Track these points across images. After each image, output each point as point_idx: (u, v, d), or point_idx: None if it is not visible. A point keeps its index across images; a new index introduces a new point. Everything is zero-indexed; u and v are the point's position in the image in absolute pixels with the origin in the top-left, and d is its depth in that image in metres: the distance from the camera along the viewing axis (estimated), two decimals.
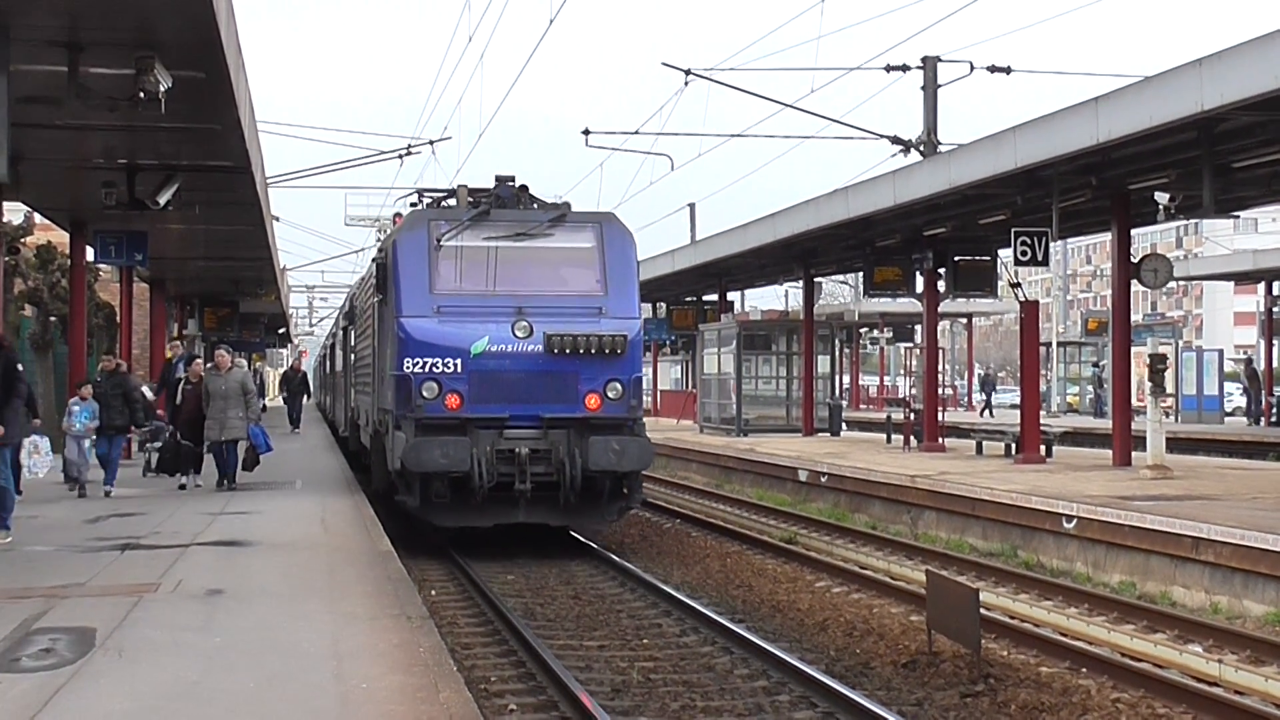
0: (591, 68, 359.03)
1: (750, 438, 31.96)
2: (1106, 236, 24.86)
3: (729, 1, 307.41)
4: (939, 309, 28.83)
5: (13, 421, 13.38)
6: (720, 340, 35.67)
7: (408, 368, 16.18)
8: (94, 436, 18.44)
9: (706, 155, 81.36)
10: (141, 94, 11.90)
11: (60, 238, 26.04)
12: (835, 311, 52.73)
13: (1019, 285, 26.03)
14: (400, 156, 32.56)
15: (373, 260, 21.05)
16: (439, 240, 16.64)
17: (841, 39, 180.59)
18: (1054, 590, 14.17)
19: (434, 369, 16.11)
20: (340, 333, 32.44)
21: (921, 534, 18.89)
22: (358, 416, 24.12)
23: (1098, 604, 13.37)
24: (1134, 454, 21.35)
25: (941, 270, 26.47)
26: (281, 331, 65.52)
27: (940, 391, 28.40)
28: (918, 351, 32.69)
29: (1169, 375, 28.72)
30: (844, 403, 42.85)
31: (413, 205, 18.97)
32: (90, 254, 23.48)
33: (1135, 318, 46.10)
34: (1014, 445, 23.77)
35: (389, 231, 23.10)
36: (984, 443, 25.66)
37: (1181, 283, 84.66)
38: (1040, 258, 22.43)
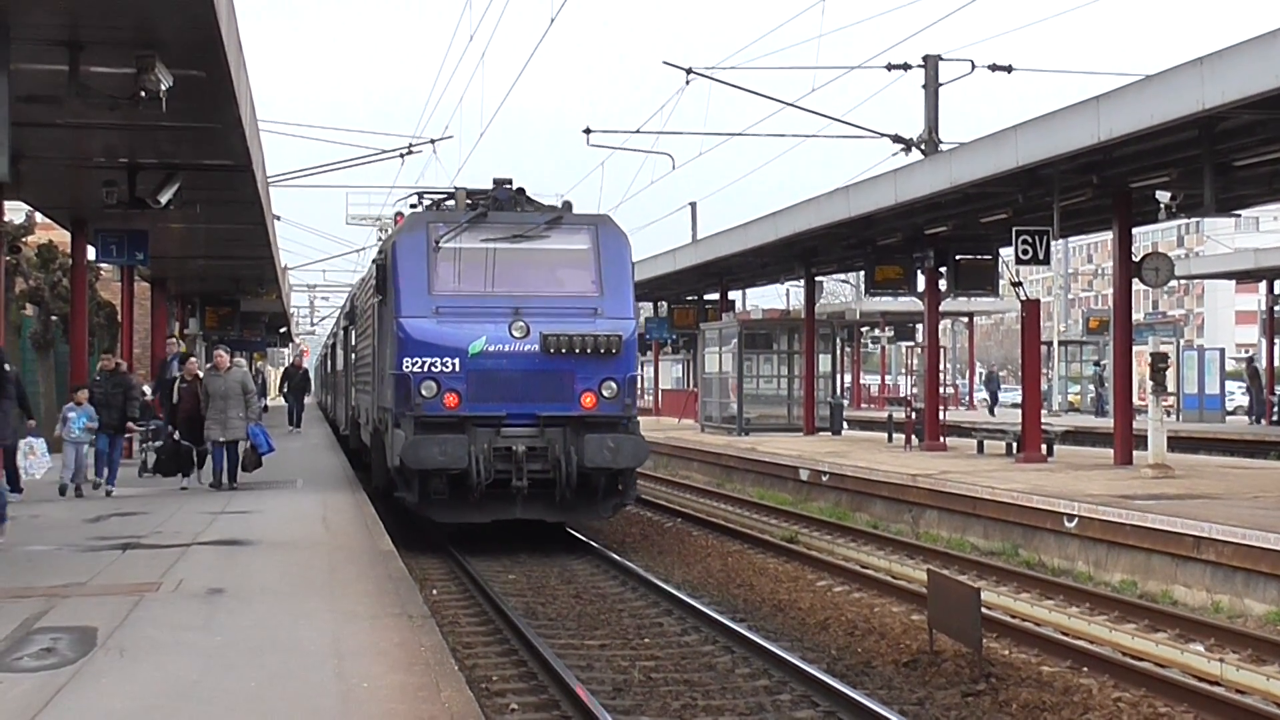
0: (593, 67, 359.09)
1: (751, 437, 31.96)
2: (1108, 235, 24.84)
3: (730, 0, 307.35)
4: (940, 308, 28.81)
5: (3, 423, 13.35)
6: (721, 339, 35.67)
7: (407, 367, 16.45)
8: (92, 438, 18.32)
9: (708, 154, 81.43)
10: (142, 93, 11.90)
11: (61, 237, 26.04)
12: (836, 310, 52.75)
13: (1020, 284, 26.02)
14: (401, 156, 32.58)
15: (373, 261, 21.35)
16: (438, 242, 16.95)
17: (842, 38, 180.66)
18: (1055, 589, 14.16)
19: (433, 368, 16.38)
20: (341, 332, 32.63)
21: (923, 533, 18.88)
22: (358, 415, 24.34)
23: (1099, 603, 13.36)
24: (1135, 453, 21.35)
25: (943, 269, 26.45)
26: (283, 330, 65.53)
27: (941, 390, 28.38)
28: (919, 350, 32.68)
29: (1170, 374, 28.74)
30: (845, 402, 42.84)
31: (412, 207, 19.18)
32: (91, 253, 23.47)
33: (1136, 316, 46.09)
34: (1015, 444, 23.76)
35: (390, 231, 23.24)
36: (985, 442, 25.65)
37: (1183, 281, 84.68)
38: (1041, 256, 22.41)
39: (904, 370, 49.61)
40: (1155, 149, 17.97)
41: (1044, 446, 23.26)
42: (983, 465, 22.07)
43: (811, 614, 13.28)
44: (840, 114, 64.59)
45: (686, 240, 44.36)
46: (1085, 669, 10.79)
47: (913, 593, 13.85)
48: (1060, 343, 53.73)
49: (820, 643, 11.99)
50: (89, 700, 7.13)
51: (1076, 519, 15.57)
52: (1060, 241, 40.72)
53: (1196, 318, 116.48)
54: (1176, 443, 26.25)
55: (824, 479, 23.04)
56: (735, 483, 27.17)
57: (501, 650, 11.56)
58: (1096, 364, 46.05)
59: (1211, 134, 16.88)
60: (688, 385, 54.97)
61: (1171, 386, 34.33)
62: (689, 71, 28.77)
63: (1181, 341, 50.03)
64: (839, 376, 44.20)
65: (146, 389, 21.94)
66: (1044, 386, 42.57)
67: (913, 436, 27.24)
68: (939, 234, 25.81)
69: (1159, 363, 19.85)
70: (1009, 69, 28.90)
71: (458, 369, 16.40)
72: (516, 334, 16.51)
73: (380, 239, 44.84)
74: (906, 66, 28.95)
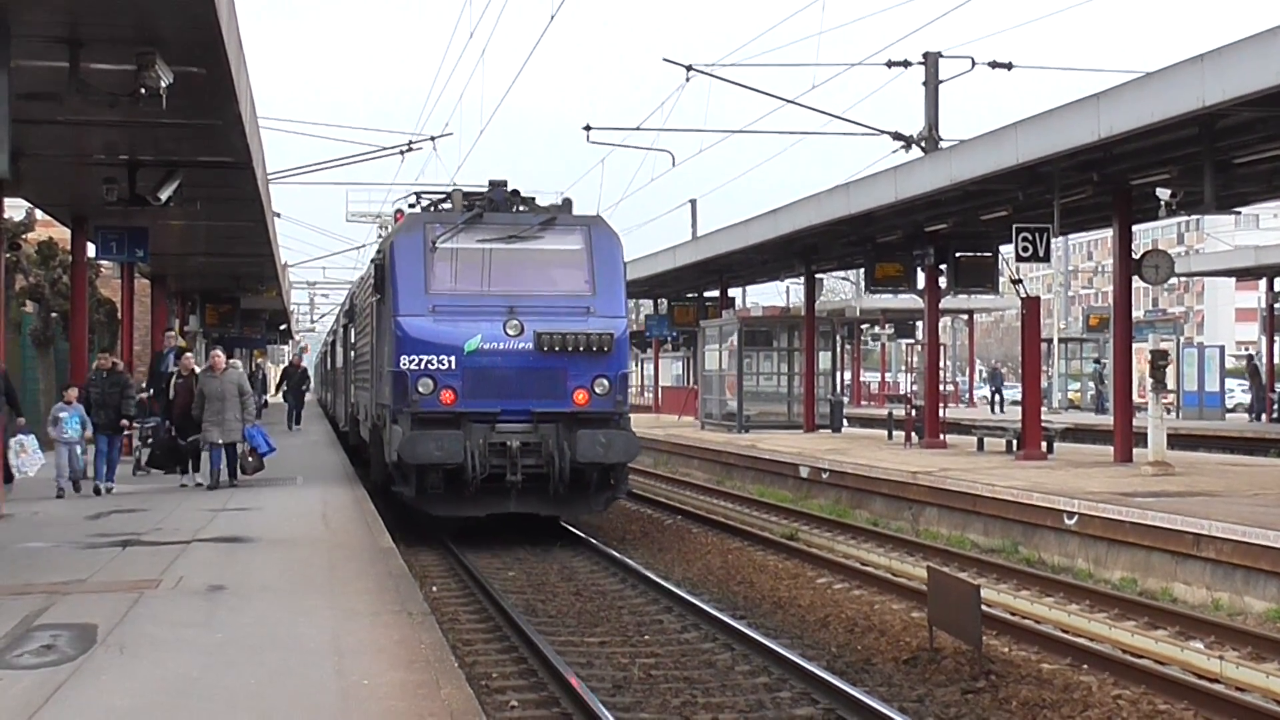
0: (593, 64, 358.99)
1: (751, 434, 31.96)
2: (1108, 232, 24.85)
3: None
4: (940, 305, 28.82)
5: None
6: (721, 336, 35.68)
7: (404, 364, 16.86)
8: (86, 439, 18.08)
9: (708, 151, 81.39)
10: (142, 90, 11.88)
11: (61, 234, 26.03)
12: (836, 308, 52.68)
13: (1020, 281, 26.03)
14: (401, 153, 32.48)
15: (371, 261, 21.83)
16: (434, 242, 17.42)
17: (842, 35, 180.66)
18: (1055, 587, 14.17)
19: (429, 366, 16.82)
20: (340, 330, 32.80)
21: (923, 530, 18.89)
22: (357, 411, 24.59)
23: (1099, 600, 13.36)
24: (1135, 450, 21.34)
25: (943, 266, 26.44)
26: (283, 328, 65.52)
27: (941, 388, 28.38)
28: (919, 348, 32.68)
29: (1170, 371, 28.72)
30: (845, 399, 42.84)
31: (410, 206, 19.58)
32: (91, 250, 23.45)
33: (1136, 314, 46.06)
34: (1015, 442, 23.77)
35: (389, 228, 23.36)
36: (985, 439, 25.66)
37: (1183, 279, 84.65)
38: (1041, 254, 22.41)
39: (904, 367, 49.64)
40: (1155, 146, 17.97)
41: (1044, 444, 23.26)
42: (983, 462, 22.07)
43: (811, 611, 13.28)
44: (840, 111, 64.53)
45: (686, 237, 44.32)
46: (1085, 666, 10.80)
47: (913, 590, 13.86)
48: (1060, 340, 53.72)
49: (820, 640, 12.00)
50: (89, 697, 7.13)
51: (1076, 516, 15.58)
52: (1060, 239, 40.71)
53: (1196, 315, 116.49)
54: (1176, 440, 26.25)
55: (824, 476, 23.04)
56: (735, 480, 27.18)
57: (501, 647, 11.57)
58: (1096, 361, 46.06)
59: (1212, 131, 16.87)
60: (688, 382, 54.99)
61: (1171, 384, 34.31)
62: (689, 69, 28.72)
63: (1181, 339, 50.02)
64: (839, 374, 44.21)
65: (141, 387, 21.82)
66: (1044, 384, 42.57)
67: (913, 434, 27.24)
68: (939, 231, 25.80)
69: (1159, 360, 19.85)
70: (1009, 66, 28.87)
71: (454, 366, 16.82)
72: (511, 332, 16.94)
73: (380, 236, 44.81)
74: (906, 64, 28.92)
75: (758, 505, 22.85)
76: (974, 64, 28.68)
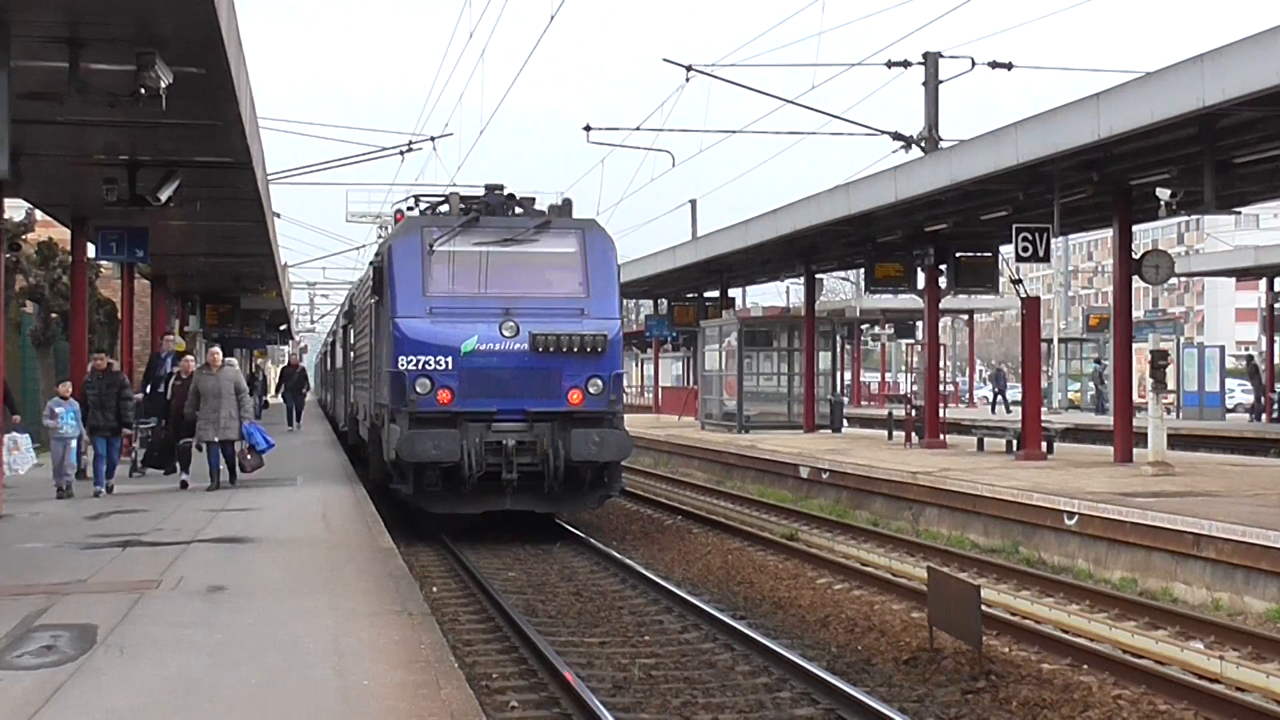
0: (593, 64, 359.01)
1: (751, 434, 31.96)
2: (1108, 232, 24.83)
3: None
4: (940, 305, 28.81)
5: None
6: (722, 336, 35.67)
7: (402, 365, 17.25)
8: (80, 438, 17.93)
9: (708, 151, 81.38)
10: (142, 90, 11.88)
11: (61, 234, 26.02)
12: (836, 308, 52.66)
13: (1020, 281, 26.03)
14: (401, 153, 32.41)
15: (370, 264, 22.27)
16: (432, 246, 17.81)
17: (842, 35, 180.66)
18: (1055, 587, 14.16)
19: (427, 366, 17.21)
20: (340, 331, 32.93)
21: (923, 530, 18.89)
22: (357, 411, 24.85)
23: (1099, 600, 13.36)
24: (1135, 450, 21.34)
25: (943, 266, 26.44)
26: (283, 328, 65.51)
27: (941, 388, 28.37)
28: (919, 348, 32.67)
29: (1170, 371, 28.71)
30: (845, 399, 42.82)
31: (409, 209, 20.04)
32: (91, 250, 23.44)
33: (1137, 314, 46.09)
34: (1015, 442, 23.77)
35: (389, 229, 23.51)
36: (985, 439, 25.65)
37: (1183, 279, 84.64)
38: (1042, 254, 22.40)
39: (904, 367, 49.61)
40: (1155, 146, 17.96)
41: (1044, 444, 23.26)
42: (983, 463, 22.07)
43: (811, 611, 13.28)
44: (840, 111, 64.51)
45: (686, 238, 44.31)
46: (1085, 666, 10.80)
47: (913, 590, 13.86)
48: (1060, 340, 53.71)
49: (820, 640, 12.00)
50: (89, 697, 7.13)
51: (1077, 516, 15.58)
52: (1060, 239, 40.69)
53: (1197, 315, 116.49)
54: (1176, 440, 26.25)
55: (824, 476, 23.04)
56: (735, 480, 27.18)
57: (502, 648, 11.57)
58: (1097, 362, 46.05)
59: (1212, 131, 16.87)
60: (688, 383, 54.98)
61: (1171, 384, 34.28)
62: (689, 69, 28.70)
63: (1181, 339, 49.97)
64: (839, 374, 44.17)
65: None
66: (1044, 384, 42.55)
67: (913, 434, 27.23)
68: (939, 231, 25.80)
69: (1159, 360, 19.84)
70: (1009, 66, 28.86)
71: (451, 367, 17.22)
72: (507, 333, 17.36)
73: (380, 236, 44.83)
74: (906, 64, 28.91)
75: (758, 505, 22.84)
76: (974, 64, 28.67)
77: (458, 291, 17.66)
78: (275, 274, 37.01)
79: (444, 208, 18.96)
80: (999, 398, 48.83)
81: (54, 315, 28.58)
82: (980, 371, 63.81)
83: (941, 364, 29.14)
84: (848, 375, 57.42)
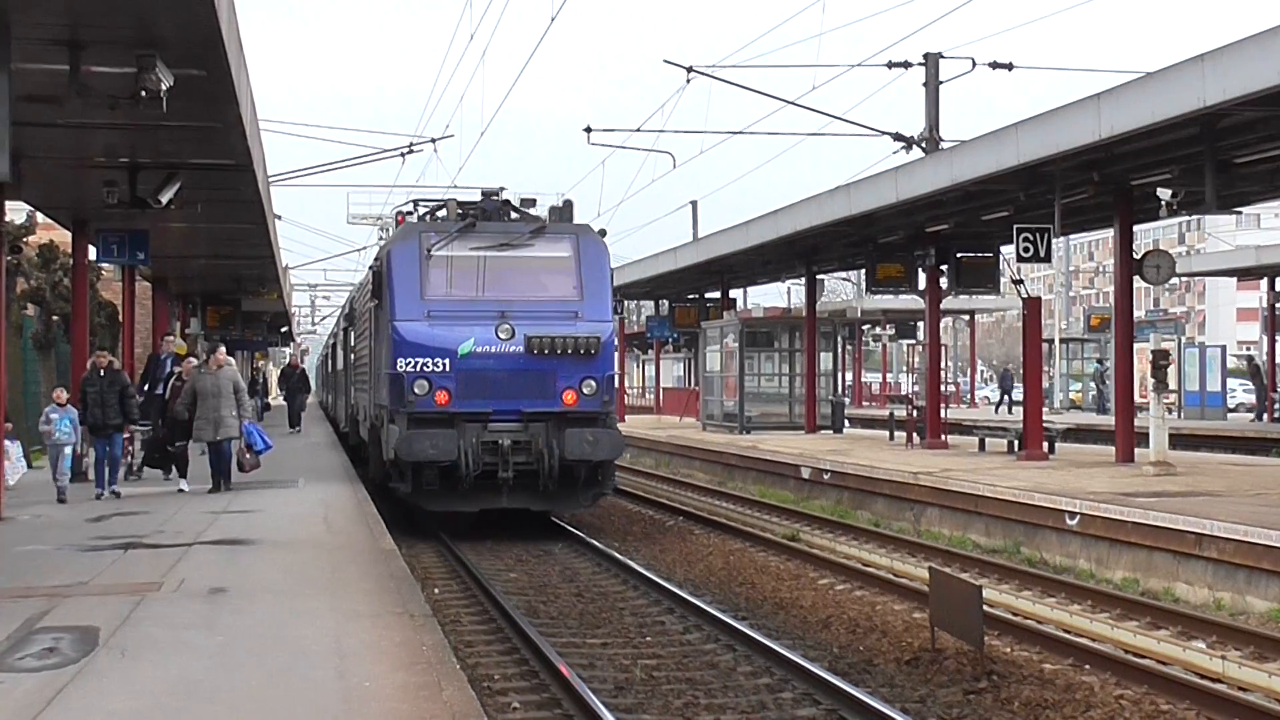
0: (593, 66, 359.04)
1: (753, 435, 31.95)
2: (1109, 232, 24.83)
3: None
4: (941, 306, 28.80)
5: None
6: (723, 337, 35.66)
7: (401, 367, 17.64)
8: (75, 443, 17.68)
9: (708, 153, 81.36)
10: (143, 92, 11.88)
11: (62, 237, 26.02)
12: (838, 308, 52.68)
13: (1021, 282, 26.02)
14: (402, 155, 32.49)
15: (369, 268, 22.74)
16: (429, 250, 18.22)
17: (843, 36, 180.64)
18: (1057, 587, 14.15)
19: (425, 368, 17.61)
20: (341, 334, 33.03)
21: (924, 531, 18.88)
22: (357, 412, 25.12)
23: (1101, 601, 13.35)
24: (1137, 450, 21.33)
25: (944, 267, 26.43)
26: (284, 330, 65.50)
27: (942, 388, 28.37)
28: (920, 348, 32.65)
29: (1171, 371, 28.71)
30: (846, 400, 42.81)
31: (408, 214, 20.53)
32: (92, 253, 23.42)
33: (1138, 314, 46.07)
34: (1017, 442, 23.76)
35: (390, 231, 23.67)
36: (987, 440, 25.64)
37: (1184, 279, 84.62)
38: (1042, 254, 22.38)
39: (905, 368, 49.61)
40: (1156, 146, 17.96)
41: (1045, 444, 23.24)
42: (984, 463, 22.06)
43: (813, 612, 13.28)
44: (841, 112, 64.56)
45: (687, 239, 44.31)
46: (1087, 666, 10.79)
47: (914, 591, 13.85)
48: (1062, 340, 53.69)
49: (822, 641, 11.99)
50: (91, 700, 7.13)
51: (1078, 516, 15.57)
52: (1061, 239, 40.70)
53: (1198, 315, 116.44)
54: (1178, 440, 26.24)
55: (825, 477, 23.04)
56: (737, 481, 27.17)
57: (503, 649, 11.57)
58: (1099, 362, 46.03)
59: (1213, 131, 16.86)
60: (689, 384, 54.98)
61: (1173, 384, 34.28)
62: (690, 70, 28.70)
63: (1183, 339, 49.95)
64: (840, 374, 44.19)
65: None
66: (1045, 384, 42.53)
67: (914, 434, 27.22)
68: (940, 232, 25.79)
69: (1160, 360, 19.82)
70: (1009, 67, 28.86)
71: (448, 368, 17.60)
72: (503, 336, 17.73)
73: (381, 238, 44.80)
74: (907, 65, 28.91)
75: (759, 506, 22.84)
76: (974, 64, 28.68)
77: (455, 295, 18.04)
78: (276, 276, 37.02)
79: (441, 213, 19.40)
80: (1005, 398, 48.76)
81: (55, 318, 28.58)
82: (981, 372, 63.78)
83: (943, 364, 29.13)
84: (849, 376, 57.43)
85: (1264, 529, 12.73)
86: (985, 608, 11.10)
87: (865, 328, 59.92)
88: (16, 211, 25.15)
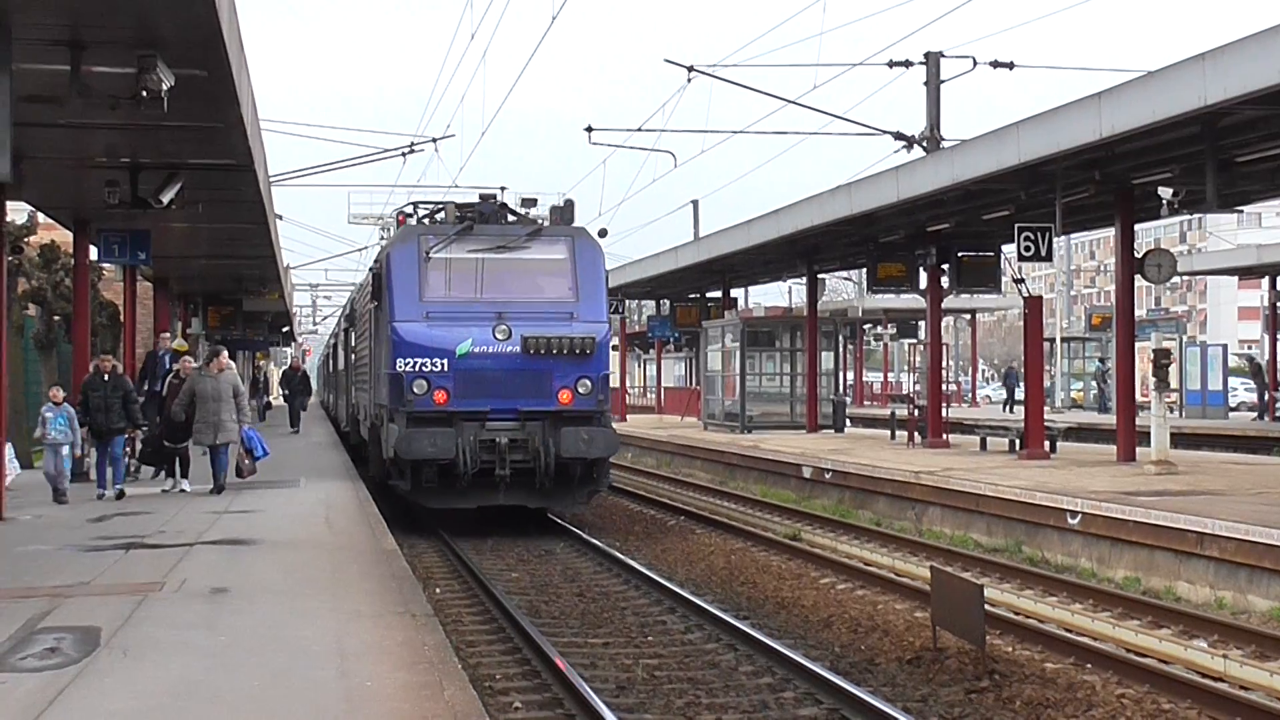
0: (594, 65, 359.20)
1: (754, 434, 31.95)
2: (1110, 231, 24.84)
3: None
4: (942, 305, 28.80)
5: None
6: (724, 337, 35.67)
7: (400, 367, 17.98)
8: (72, 444, 17.49)
9: (709, 152, 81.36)
10: (144, 92, 11.87)
11: (64, 237, 26.02)
12: (839, 308, 52.66)
13: (1022, 281, 26.01)
14: (403, 155, 32.50)
15: (369, 270, 23.27)
16: (428, 253, 18.59)
17: (844, 35, 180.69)
18: (1058, 586, 14.15)
19: (424, 368, 17.96)
20: (341, 334, 33.17)
21: (926, 530, 18.88)
22: (357, 411, 25.47)
23: (1102, 599, 13.35)
24: (1138, 449, 21.32)
25: (945, 266, 26.42)
26: (285, 330, 65.50)
27: (944, 388, 28.36)
28: (921, 347, 32.65)
29: (1173, 370, 28.69)
30: (848, 399, 42.81)
31: (409, 216, 20.78)
32: (94, 253, 23.41)
33: (1139, 313, 46.08)
34: (1018, 441, 23.76)
35: (391, 231, 23.87)
36: (988, 439, 25.63)
37: (1185, 278, 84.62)
38: (1044, 253, 22.39)
39: (906, 367, 49.58)
40: (1157, 145, 17.96)
41: (1047, 443, 23.24)
42: (986, 462, 22.06)
43: (815, 611, 13.28)
44: (842, 111, 64.55)
45: (688, 238, 44.31)
46: (1089, 665, 10.79)
47: (916, 590, 13.86)
48: (1063, 339, 53.66)
49: (824, 640, 11.99)
50: (92, 700, 7.13)
51: (1080, 515, 15.57)
52: (1062, 238, 40.68)
53: (1199, 314, 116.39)
54: (1179, 439, 26.23)
55: (827, 476, 23.03)
56: (738, 480, 27.17)
57: (505, 649, 11.57)
58: (1100, 361, 46.00)
59: (1214, 130, 16.86)
60: (690, 383, 54.97)
61: (1174, 383, 34.26)
62: (690, 69, 28.70)
63: (1184, 338, 49.89)
64: (841, 374, 44.17)
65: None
66: (1047, 383, 42.52)
67: (915, 434, 27.21)
68: (941, 231, 25.79)
69: (1161, 359, 19.81)
70: (1010, 66, 28.86)
71: (446, 369, 17.98)
72: (500, 336, 18.11)
73: (382, 238, 44.84)
74: (908, 64, 28.91)
75: (761, 506, 22.84)
76: (975, 64, 28.68)
77: (453, 296, 18.37)
78: (277, 276, 37.00)
79: (440, 215, 19.74)
80: (1011, 397, 48.69)
81: (56, 318, 28.57)
82: (983, 371, 63.77)
83: (944, 364, 29.12)
84: (850, 375, 57.42)
85: (1265, 528, 12.73)
86: (987, 607, 11.10)
87: (866, 327, 59.92)
88: (18, 212, 25.15)
